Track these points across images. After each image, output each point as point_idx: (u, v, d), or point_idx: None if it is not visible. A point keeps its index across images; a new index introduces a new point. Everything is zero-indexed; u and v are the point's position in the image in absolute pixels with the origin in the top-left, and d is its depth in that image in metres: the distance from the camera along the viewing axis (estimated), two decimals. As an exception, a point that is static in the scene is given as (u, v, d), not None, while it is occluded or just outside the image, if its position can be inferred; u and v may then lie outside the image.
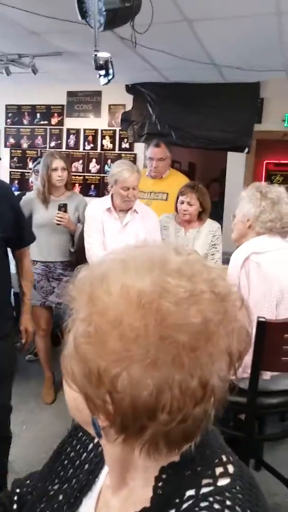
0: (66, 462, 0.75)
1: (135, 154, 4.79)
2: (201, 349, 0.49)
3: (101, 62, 2.41)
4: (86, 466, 0.71)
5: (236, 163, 4.35)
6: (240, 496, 0.53)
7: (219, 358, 0.50)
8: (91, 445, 0.74)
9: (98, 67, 2.41)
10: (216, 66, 3.76)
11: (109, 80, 2.47)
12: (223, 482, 0.55)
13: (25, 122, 5.32)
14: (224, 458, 0.58)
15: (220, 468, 0.57)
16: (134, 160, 4.78)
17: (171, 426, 0.50)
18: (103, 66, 2.41)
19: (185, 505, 0.53)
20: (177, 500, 0.54)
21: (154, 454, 0.54)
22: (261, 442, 2.19)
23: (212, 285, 0.52)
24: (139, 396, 0.48)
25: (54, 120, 5.20)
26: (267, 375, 1.82)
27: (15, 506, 0.83)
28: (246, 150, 4.25)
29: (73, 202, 3.09)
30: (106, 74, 2.42)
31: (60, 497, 0.70)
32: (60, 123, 5.16)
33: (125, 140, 4.81)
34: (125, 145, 4.80)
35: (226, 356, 0.51)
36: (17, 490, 0.86)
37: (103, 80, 2.50)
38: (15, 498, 0.85)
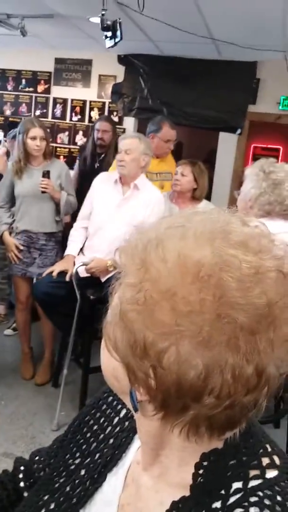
0: (88, 435, 0.71)
1: (124, 129, 4.65)
2: (261, 333, 0.44)
3: (108, 22, 2.26)
4: (111, 440, 0.68)
5: (227, 144, 4.28)
6: None
7: (280, 346, 0.46)
8: (116, 419, 0.70)
9: (105, 28, 2.27)
10: (214, 41, 3.64)
11: (115, 43, 2.33)
12: (271, 474, 0.51)
13: (9, 87, 5.09)
14: (269, 448, 0.55)
15: (266, 458, 0.53)
16: (122, 135, 4.65)
17: (216, 411, 0.46)
18: (110, 27, 2.27)
19: (232, 499, 0.49)
20: (223, 492, 0.50)
21: (194, 437, 0.50)
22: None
23: (279, 264, 0.47)
24: (185, 375, 0.44)
25: (40, 88, 4.99)
26: None
27: (22, 484, 0.80)
28: (239, 131, 4.18)
29: (54, 169, 2.96)
30: (113, 36, 2.28)
31: (82, 472, 0.67)
32: (47, 91, 4.96)
33: (115, 113, 4.66)
34: (114, 118, 4.65)
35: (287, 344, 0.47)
36: (22, 468, 0.82)
37: (109, 43, 2.36)
38: (20, 476, 0.81)
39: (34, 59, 4.85)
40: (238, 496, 0.49)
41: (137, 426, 0.59)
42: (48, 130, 3.50)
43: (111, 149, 3.67)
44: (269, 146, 5.93)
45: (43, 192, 2.85)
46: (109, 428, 0.70)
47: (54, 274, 2.62)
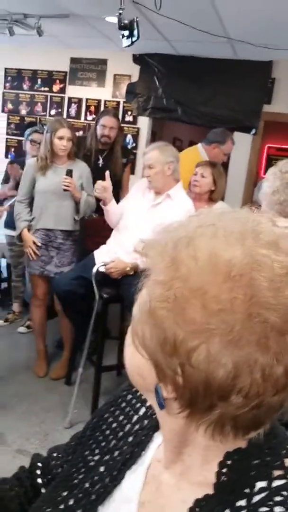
0: (108, 432, 0.71)
1: (138, 128, 4.65)
2: None
3: (125, 21, 2.26)
4: (131, 438, 0.68)
5: (241, 144, 4.24)
6: None
7: None
8: (135, 417, 0.70)
9: (122, 27, 2.27)
10: (229, 40, 3.63)
11: (132, 42, 2.33)
12: None
13: (25, 87, 5.13)
14: None
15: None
16: (137, 135, 4.66)
17: (242, 411, 0.46)
18: (128, 26, 2.27)
19: (257, 498, 0.49)
20: (247, 491, 0.50)
21: (219, 437, 0.50)
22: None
23: None
24: (214, 374, 0.45)
25: (55, 87, 5.02)
26: None
27: (39, 480, 0.79)
28: (253, 131, 4.16)
29: (77, 169, 3.00)
30: (130, 35, 2.28)
31: (101, 469, 0.66)
32: (62, 90, 4.99)
33: (129, 112, 4.67)
34: (128, 118, 4.66)
35: None
36: (39, 464, 0.82)
37: (126, 42, 2.37)
38: (38, 472, 0.81)
39: (50, 58, 4.88)
40: (262, 495, 0.49)
41: (160, 423, 0.59)
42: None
43: (118, 147, 3.54)
44: (283, 146, 5.87)
45: (65, 190, 2.89)
46: (128, 426, 0.70)
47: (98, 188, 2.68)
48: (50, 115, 5.01)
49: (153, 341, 0.48)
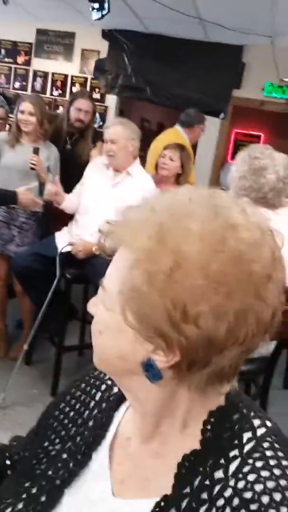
0: (66, 421, 0.73)
1: (106, 107, 4.56)
2: (272, 280, 0.51)
3: (96, -8, 2.18)
4: (91, 423, 0.69)
5: (209, 128, 4.24)
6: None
7: (282, 291, 0.53)
8: (92, 403, 0.72)
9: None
10: (201, 21, 3.58)
11: (102, 15, 2.26)
12: (269, 423, 0.57)
13: (-13, 57, 4.91)
14: (255, 403, 0.61)
15: (258, 412, 0.59)
16: (104, 113, 4.56)
17: (234, 360, 0.51)
18: (98, -1, 2.19)
19: (247, 447, 0.54)
20: (236, 442, 0.55)
21: (207, 392, 0.54)
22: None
23: (269, 227, 0.54)
24: (218, 330, 0.49)
25: (20, 59, 4.83)
26: None
27: (8, 462, 0.80)
28: (222, 115, 4.16)
29: (45, 150, 2.92)
30: (100, 8, 2.21)
31: (64, 456, 0.68)
32: (27, 63, 4.80)
33: (97, 90, 4.56)
34: (96, 95, 4.55)
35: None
36: (4, 447, 0.83)
37: (96, 15, 2.29)
38: (6, 454, 0.81)
39: (15, 29, 4.69)
40: (252, 444, 0.54)
41: (142, 399, 0.59)
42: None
43: (89, 131, 3.30)
44: (250, 132, 5.92)
45: (31, 168, 2.80)
46: (87, 412, 0.72)
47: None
48: (14, 88, 4.83)
49: (157, 313, 0.50)
